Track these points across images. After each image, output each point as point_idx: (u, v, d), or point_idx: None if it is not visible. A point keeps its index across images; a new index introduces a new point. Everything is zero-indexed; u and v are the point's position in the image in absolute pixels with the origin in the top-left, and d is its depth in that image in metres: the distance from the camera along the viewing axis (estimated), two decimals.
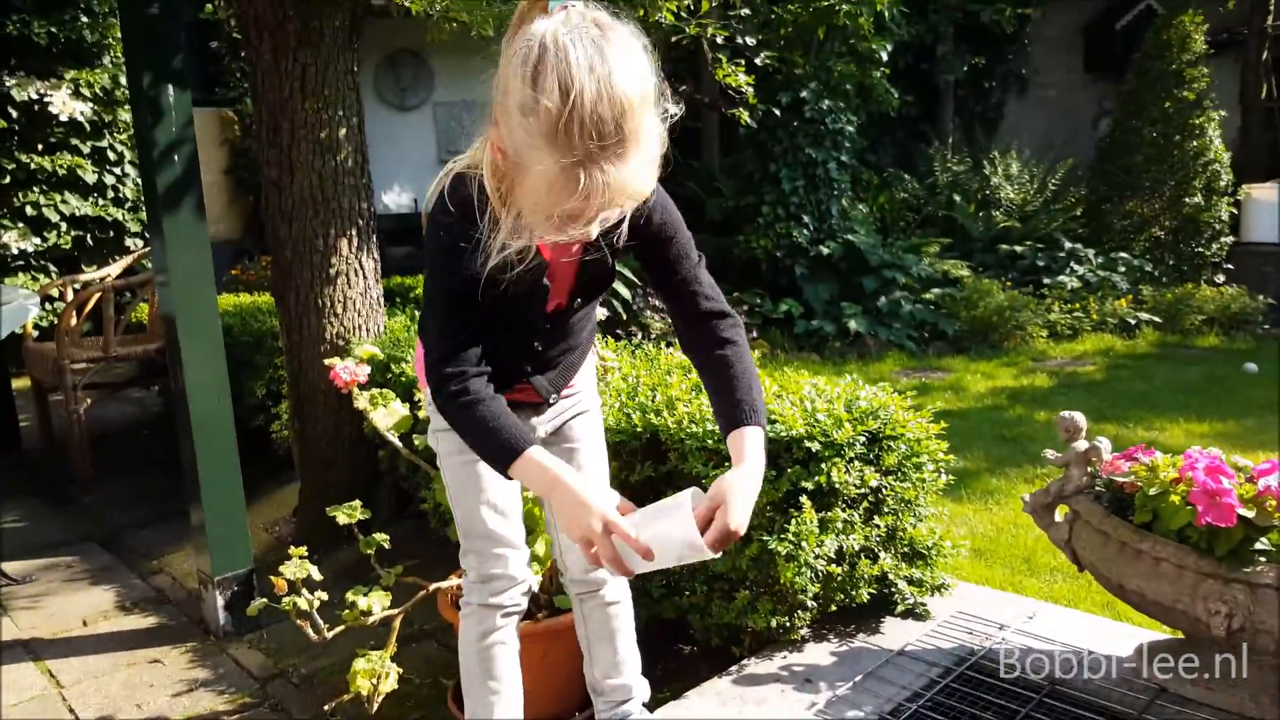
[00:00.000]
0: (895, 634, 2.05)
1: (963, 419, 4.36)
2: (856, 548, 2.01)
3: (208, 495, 2.53)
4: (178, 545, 3.25)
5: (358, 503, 1.99)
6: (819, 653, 2.00)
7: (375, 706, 1.72)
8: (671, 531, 1.19)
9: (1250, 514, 1.61)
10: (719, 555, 1.24)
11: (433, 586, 1.91)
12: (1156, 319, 6.69)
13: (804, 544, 1.90)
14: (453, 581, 1.98)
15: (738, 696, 1.85)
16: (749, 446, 1.29)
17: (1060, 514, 1.95)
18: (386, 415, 2.03)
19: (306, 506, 3.26)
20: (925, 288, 6.85)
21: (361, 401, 2.05)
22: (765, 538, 1.92)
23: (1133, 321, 6.66)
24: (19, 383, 5.19)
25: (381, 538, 1.96)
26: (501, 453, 1.25)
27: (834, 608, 2.12)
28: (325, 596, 1.77)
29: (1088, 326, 6.60)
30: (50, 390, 4.60)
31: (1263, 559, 1.61)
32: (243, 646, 2.51)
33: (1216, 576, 1.62)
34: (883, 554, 2.08)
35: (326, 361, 2.53)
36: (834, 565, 1.97)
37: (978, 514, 3.20)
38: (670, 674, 2.14)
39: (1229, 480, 1.65)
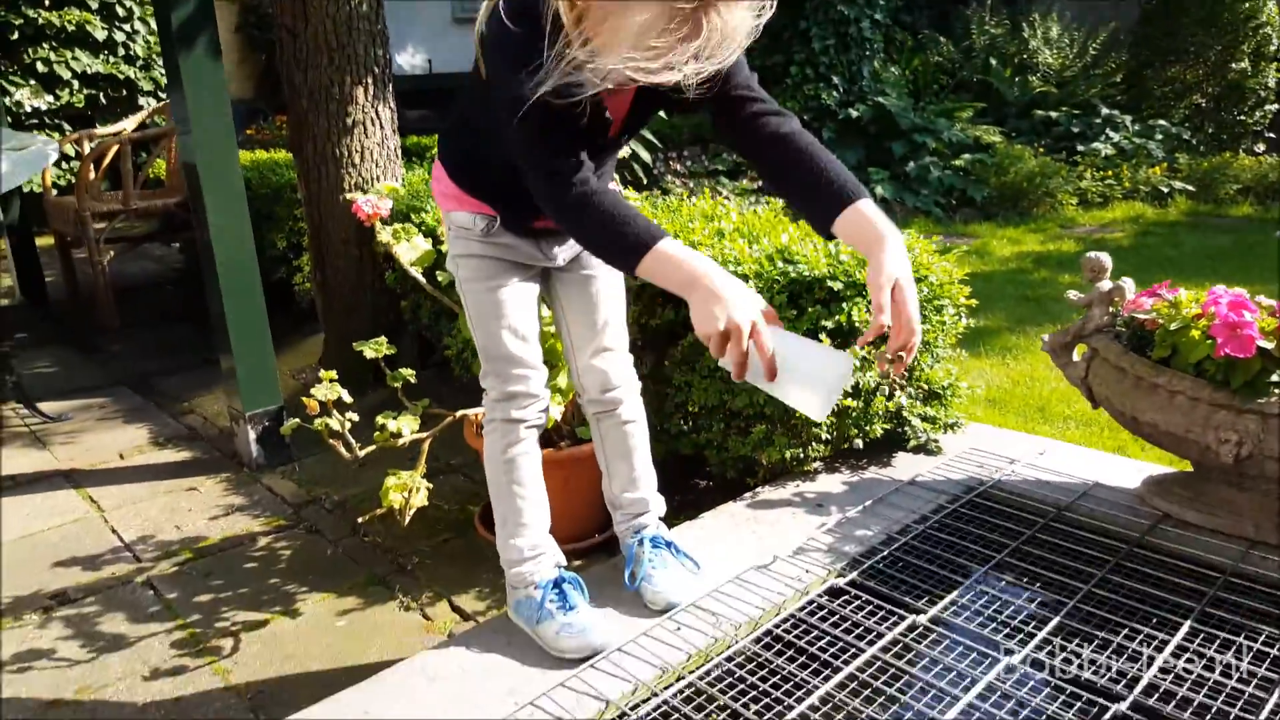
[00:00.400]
0: (906, 467, 2.11)
1: (986, 281, 4.33)
2: (873, 385, 2.04)
3: (236, 334, 2.59)
4: (207, 390, 3.35)
5: (383, 338, 2.03)
6: (831, 482, 2.06)
7: (407, 520, 1.80)
8: (813, 364, 1.13)
9: (1270, 345, 1.61)
10: (828, 414, 1.18)
11: (459, 413, 1.96)
12: (1190, 188, 6.52)
13: None
14: (477, 410, 2.03)
15: (751, 518, 1.92)
16: (876, 220, 1.20)
17: (1078, 354, 1.97)
18: (409, 250, 2.03)
19: (331, 355, 3.32)
20: (956, 153, 6.68)
21: (384, 235, 2.05)
22: None
23: (1165, 190, 6.50)
24: (42, 240, 5.24)
25: (408, 373, 2.00)
26: (632, 247, 1.16)
27: (846, 445, 2.17)
28: (356, 418, 1.83)
29: (1119, 195, 6.45)
30: (73, 245, 4.64)
31: (1278, 390, 1.62)
32: (275, 477, 2.61)
33: (1230, 407, 1.63)
34: (898, 392, 2.11)
35: (348, 196, 2.52)
36: (850, 400, 2.00)
37: (995, 368, 3.22)
38: (686, 505, 2.22)
39: (1251, 314, 1.65)
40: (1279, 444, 1.58)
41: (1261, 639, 1.46)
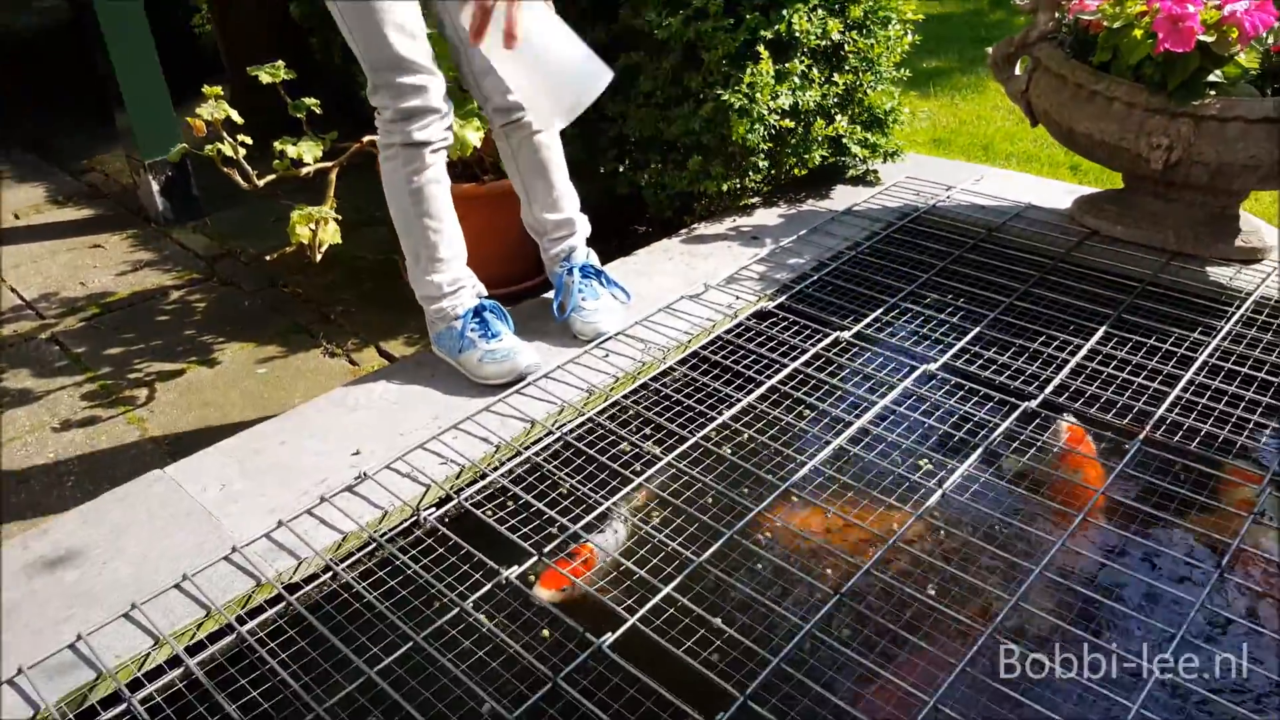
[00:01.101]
0: (844, 197, 2.05)
1: (942, 23, 4.12)
2: (813, 105, 1.93)
3: (123, 72, 2.36)
4: (107, 148, 3.11)
5: (281, 63, 1.84)
6: (768, 216, 2.00)
7: (319, 256, 1.70)
8: (568, 57, 1.07)
9: (1210, 39, 1.53)
10: (562, 125, 1.13)
11: (366, 139, 1.82)
12: None
13: (758, 96, 1.81)
14: None
15: (685, 251, 1.87)
16: None
17: (1021, 68, 1.88)
18: None
19: (237, 104, 3.08)
20: None
21: None
22: (719, 92, 1.82)
23: None
24: None
25: (312, 102, 1.83)
26: None
27: (785, 179, 2.09)
28: (250, 141, 1.68)
29: None
30: None
31: (1212, 92, 1.56)
32: (186, 232, 2.48)
33: (1164, 111, 1.58)
34: (839, 116, 2.01)
35: None
36: (788, 120, 1.90)
37: (943, 109, 3.12)
38: (624, 249, 2.15)
39: (1195, 6, 1.56)
40: (1209, 147, 1.55)
41: (1170, 340, 1.49)
